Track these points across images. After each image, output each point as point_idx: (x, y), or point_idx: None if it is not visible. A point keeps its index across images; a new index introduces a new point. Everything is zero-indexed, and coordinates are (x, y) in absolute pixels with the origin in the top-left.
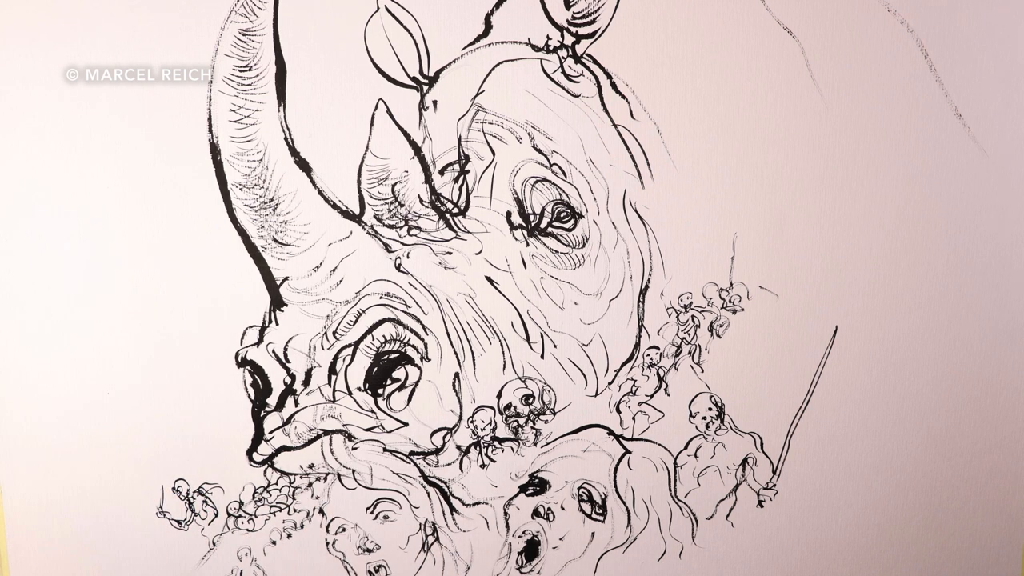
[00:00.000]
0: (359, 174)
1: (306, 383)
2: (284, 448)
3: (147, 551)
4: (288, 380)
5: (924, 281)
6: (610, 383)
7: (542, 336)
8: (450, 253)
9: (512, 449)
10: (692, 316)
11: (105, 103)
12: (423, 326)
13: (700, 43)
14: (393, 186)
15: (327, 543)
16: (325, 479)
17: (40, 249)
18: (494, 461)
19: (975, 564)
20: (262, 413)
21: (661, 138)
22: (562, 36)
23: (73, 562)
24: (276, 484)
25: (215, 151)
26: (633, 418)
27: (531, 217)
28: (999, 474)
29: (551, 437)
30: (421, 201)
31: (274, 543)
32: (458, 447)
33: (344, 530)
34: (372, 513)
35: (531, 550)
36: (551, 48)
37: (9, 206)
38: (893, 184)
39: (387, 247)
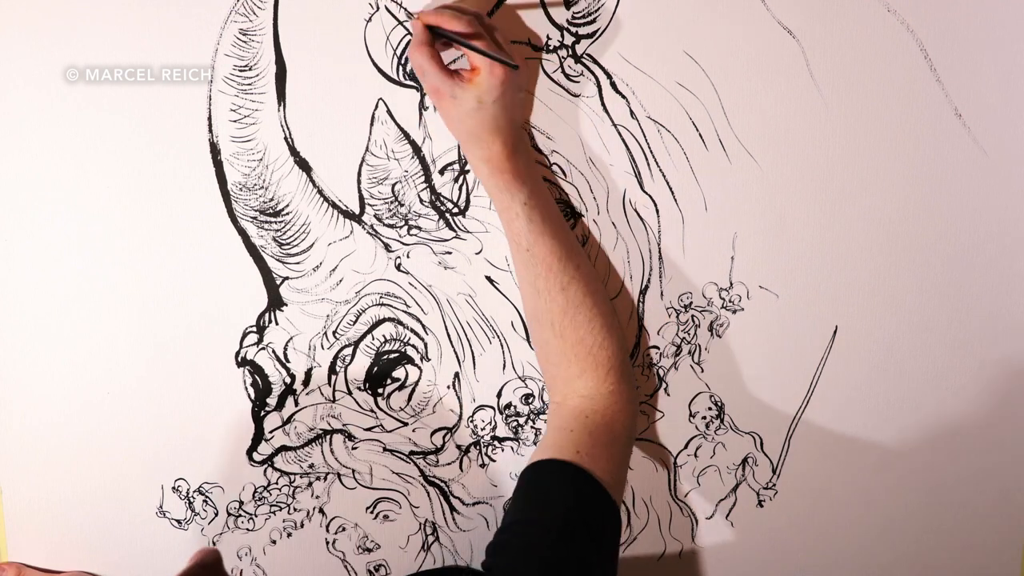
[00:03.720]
0: (359, 174)
1: (306, 383)
2: (284, 448)
3: (147, 551)
4: (288, 380)
5: (924, 281)
6: None
7: None
8: (450, 253)
9: (512, 449)
10: (692, 316)
11: (105, 103)
12: (423, 326)
13: (700, 43)
14: (393, 186)
15: (327, 543)
16: (325, 479)
17: (40, 249)
18: (494, 461)
19: (975, 564)
20: (262, 413)
21: (661, 138)
22: (562, 36)
23: (73, 562)
24: (276, 484)
25: (215, 151)
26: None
27: None
28: (999, 474)
29: None
30: (421, 201)
31: (274, 543)
32: (458, 447)
33: (344, 530)
34: (372, 513)
35: None
36: (551, 48)
37: (9, 206)
38: (893, 184)
39: (387, 247)
